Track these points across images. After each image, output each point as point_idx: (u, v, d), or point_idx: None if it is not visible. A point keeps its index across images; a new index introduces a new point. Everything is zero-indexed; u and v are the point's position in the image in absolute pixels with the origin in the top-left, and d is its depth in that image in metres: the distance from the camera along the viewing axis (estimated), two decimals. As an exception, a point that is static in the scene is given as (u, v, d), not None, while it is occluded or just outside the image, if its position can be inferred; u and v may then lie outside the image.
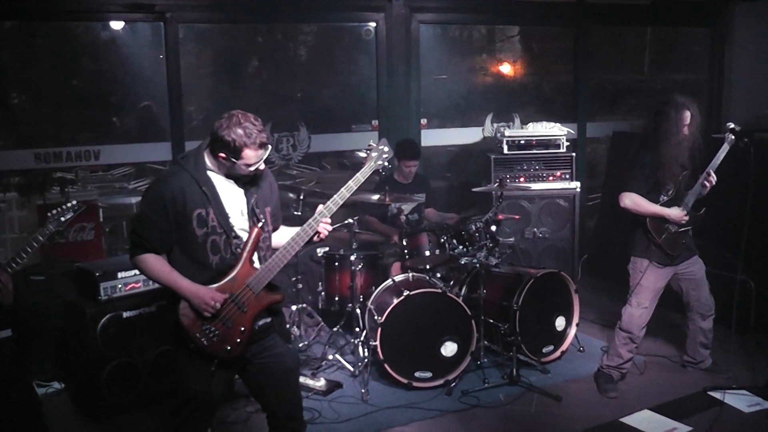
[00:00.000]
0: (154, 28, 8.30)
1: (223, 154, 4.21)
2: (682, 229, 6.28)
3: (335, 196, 4.45)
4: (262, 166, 4.37)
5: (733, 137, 6.17)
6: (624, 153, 6.62)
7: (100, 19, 8.22)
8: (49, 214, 4.98)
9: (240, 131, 4.16)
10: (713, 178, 6.24)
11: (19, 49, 8.39)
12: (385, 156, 4.62)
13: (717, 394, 6.40)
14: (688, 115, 6.16)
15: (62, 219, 4.97)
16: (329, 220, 4.50)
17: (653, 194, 6.25)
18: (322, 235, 4.52)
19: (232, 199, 4.38)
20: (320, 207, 4.47)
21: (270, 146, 4.36)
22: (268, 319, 4.49)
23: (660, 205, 6.24)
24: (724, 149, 6.19)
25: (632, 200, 6.20)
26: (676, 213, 6.21)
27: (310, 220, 4.43)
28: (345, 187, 4.44)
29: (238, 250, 4.30)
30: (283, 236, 4.64)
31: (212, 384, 4.36)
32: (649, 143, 6.24)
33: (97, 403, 6.24)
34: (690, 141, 6.19)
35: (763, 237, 6.35)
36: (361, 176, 4.49)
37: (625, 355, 6.57)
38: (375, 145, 4.65)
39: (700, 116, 6.37)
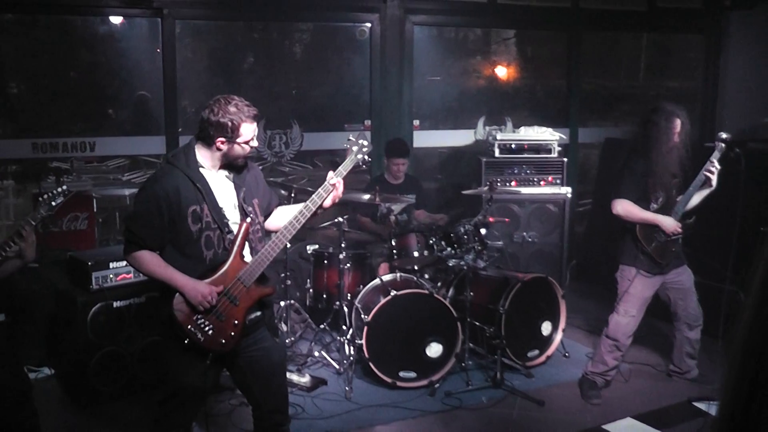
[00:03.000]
0: (152, 23, 8.36)
1: (221, 139, 4.31)
2: (672, 237, 6.25)
3: (319, 189, 4.56)
4: (255, 143, 4.47)
5: (723, 146, 6.11)
6: (616, 160, 6.62)
7: (99, 13, 8.30)
8: (40, 198, 5.03)
9: (232, 109, 4.30)
10: (715, 167, 6.08)
11: (19, 40, 8.45)
12: (365, 149, 4.70)
13: (702, 405, 6.39)
14: (678, 123, 6.14)
15: (53, 203, 5.02)
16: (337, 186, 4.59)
17: (643, 202, 6.23)
18: (336, 195, 4.60)
19: (225, 193, 4.46)
20: (329, 175, 4.56)
21: (260, 118, 4.49)
22: (258, 313, 4.54)
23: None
24: (714, 157, 6.12)
25: (624, 207, 6.19)
26: (668, 221, 6.17)
27: (314, 196, 4.54)
28: (328, 180, 4.56)
29: (230, 244, 4.36)
30: (283, 215, 4.77)
31: (206, 378, 4.41)
32: (639, 151, 6.23)
33: (86, 389, 6.31)
34: (680, 149, 6.17)
35: (752, 248, 6.31)
36: (342, 170, 4.59)
37: (610, 362, 6.56)
38: (354, 139, 4.73)
39: (692, 124, 6.37)
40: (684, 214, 6.28)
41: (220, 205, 4.40)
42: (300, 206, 4.58)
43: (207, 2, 8.49)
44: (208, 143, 4.36)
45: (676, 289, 6.55)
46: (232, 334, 4.34)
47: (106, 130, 8.71)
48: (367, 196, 7.28)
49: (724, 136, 6.14)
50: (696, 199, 6.29)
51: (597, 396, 6.57)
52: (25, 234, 4.81)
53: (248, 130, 4.36)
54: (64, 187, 5.11)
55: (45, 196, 5.02)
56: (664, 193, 6.24)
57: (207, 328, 4.27)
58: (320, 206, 4.57)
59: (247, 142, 4.38)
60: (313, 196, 4.53)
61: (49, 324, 6.90)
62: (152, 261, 4.31)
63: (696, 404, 6.47)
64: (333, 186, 4.55)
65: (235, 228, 4.42)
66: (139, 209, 4.33)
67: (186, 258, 4.33)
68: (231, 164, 4.47)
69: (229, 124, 4.28)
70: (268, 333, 4.64)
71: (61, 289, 6.65)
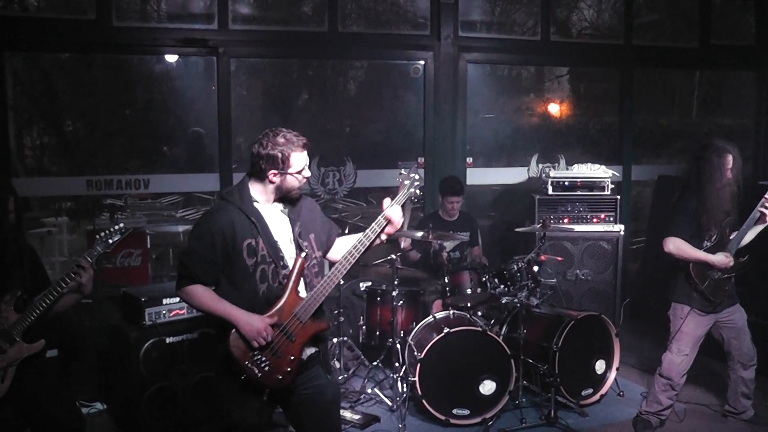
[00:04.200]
0: (207, 62, 8.46)
1: (273, 171, 4.34)
2: (725, 276, 6.18)
3: (373, 224, 4.56)
4: (308, 173, 4.47)
5: (777, 184, 6.07)
6: (669, 197, 6.57)
7: (156, 52, 8.44)
8: (97, 236, 5.09)
9: (281, 140, 4.34)
10: None
11: (76, 79, 8.60)
12: (417, 183, 4.70)
13: (758, 447, 6.28)
14: (730, 159, 6.08)
15: (110, 241, 5.08)
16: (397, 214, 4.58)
17: (696, 240, 6.16)
18: (394, 228, 4.59)
19: (280, 227, 4.47)
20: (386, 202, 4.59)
21: (309, 148, 4.49)
22: (315, 349, 4.55)
23: (703, 251, 6.16)
24: (768, 197, 6.10)
25: (676, 245, 6.12)
26: (720, 259, 6.10)
27: (368, 231, 4.55)
28: (382, 215, 4.56)
29: (285, 279, 4.37)
30: (343, 245, 4.77)
31: (262, 415, 4.43)
32: (692, 188, 6.17)
33: (137, 425, 6.33)
34: (733, 185, 6.10)
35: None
36: (397, 202, 4.58)
37: (664, 401, 6.47)
38: (406, 173, 4.72)
39: (745, 161, 6.30)
40: (737, 252, 6.22)
41: (275, 238, 4.40)
42: (358, 236, 4.58)
43: (262, 40, 8.57)
44: (261, 177, 4.39)
45: (729, 328, 6.44)
46: (289, 369, 4.33)
47: (161, 168, 8.83)
48: (420, 233, 7.30)
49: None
50: (750, 236, 6.24)
51: (652, 436, 6.50)
52: (85, 266, 4.89)
53: (299, 160, 4.37)
54: (121, 225, 5.17)
55: (102, 234, 5.09)
56: (717, 231, 6.17)
57: (264, 365, 4.27)
58: (376, 239, 4.58)
59: (299, 172, 4.39)
60: (369, 230, 4.53)
61: (102, 359, 6.98)
62: (204, 295, 4.31)
63: (751, 445, 6.36)
64: (387, 219, 4.54)
65: (289, 262, 4.43)
66: (194, 244, 4.34)
67: (240, 292, 4.34)
68: (285, 197, 4.49)
69: (279, 155, 4.30)
70: (322, 371, 4.62)
71: (114, 324, 6.70)
